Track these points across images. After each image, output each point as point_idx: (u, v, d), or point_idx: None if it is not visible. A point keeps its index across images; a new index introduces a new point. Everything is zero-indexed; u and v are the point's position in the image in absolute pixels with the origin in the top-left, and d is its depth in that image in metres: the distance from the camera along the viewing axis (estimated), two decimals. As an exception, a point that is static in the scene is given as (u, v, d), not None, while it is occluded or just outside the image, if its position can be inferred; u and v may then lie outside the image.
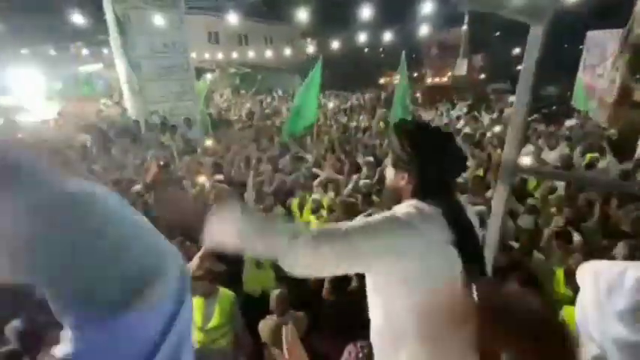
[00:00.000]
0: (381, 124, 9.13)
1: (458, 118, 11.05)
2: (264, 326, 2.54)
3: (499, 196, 1.62)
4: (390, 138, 1.07)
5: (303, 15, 10.64)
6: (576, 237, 3.02)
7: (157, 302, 0.52)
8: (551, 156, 5.95)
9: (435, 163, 0.99)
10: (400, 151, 1.00)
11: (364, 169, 5.29)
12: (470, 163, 5.40)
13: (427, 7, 10.24)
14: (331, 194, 4.19)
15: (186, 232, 3.44)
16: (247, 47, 23.11)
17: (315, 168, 5.50)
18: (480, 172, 5.02)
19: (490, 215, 1.71)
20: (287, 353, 1.00)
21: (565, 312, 2.27)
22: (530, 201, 3.91)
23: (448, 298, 0.92)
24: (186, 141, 7.37)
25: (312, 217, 3.94)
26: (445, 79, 25.12)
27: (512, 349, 0.68)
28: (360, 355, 1.87)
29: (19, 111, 12.17)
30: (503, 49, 20.67)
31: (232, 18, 13.61)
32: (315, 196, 4.12)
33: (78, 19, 10.82)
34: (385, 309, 1.03)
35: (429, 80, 25.79)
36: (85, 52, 18.03)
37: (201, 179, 4.65)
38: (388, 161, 1.12)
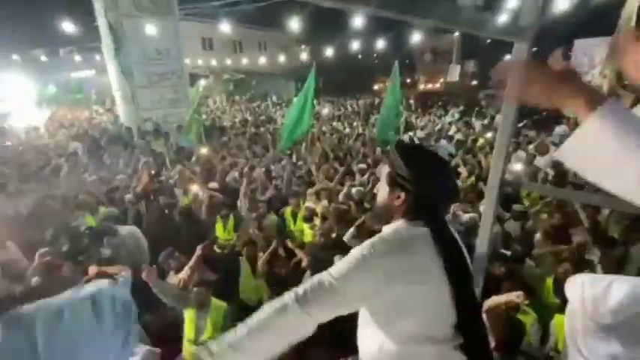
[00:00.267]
0: (375, 130, 9.18)
1: (450, 124, 11.16)
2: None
3: (488, 208, 1.63)
4: (391, 157, 1.06)
5: (296, 22, 10.71)
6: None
7: None
8: (541, 162, 6.03)
9: (433, 185, 1.00)
10: (402, 171, 1.00)
11: (357, 177, 5.30)
12: (462, 169, 5.45)
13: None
14: (325, 202, 4.18)
15: (176, 242, 3.42)
16: (241, 54, 23.17)
17: (310, 175, 5.50)
18: (472, 180, 5.06)
19: (480, 225, 1.72)
20: None
21: (556, 320, 2.29)
22: (517, 207, 3.94)
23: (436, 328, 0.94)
24: (178, 148, 7.33)
25: (305, 226, 3.93)
26: (438, 85, 25.40)
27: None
28: None
29: (10, 117, 12.02)
30: (495, 55, 20.99)
31: (226, 25, 13.65)
32: (309, 204, 4.11)
33: (69, 27, 10.76)
34: (375, 340, 1.02)
35: (421, 86, 26.05)
36: (77, 58, 17.91)
37: (194, 188, 4.62)
38: (382, 179, 1.11)
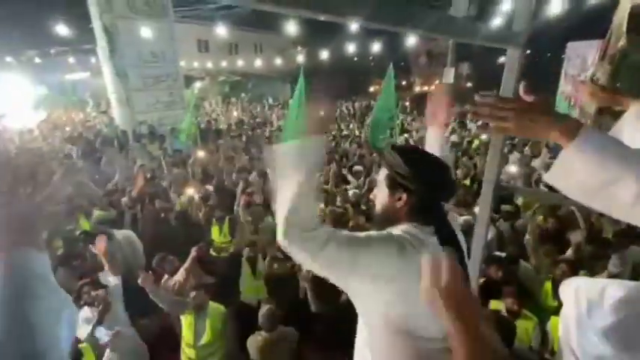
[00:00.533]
0: (367, 132, 9.20)
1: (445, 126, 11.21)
2: (253, 343, 2.50)
3: (483, 211, 1.64)
4: (388, 158, 1.05)
5: (292, 24, 10.73)
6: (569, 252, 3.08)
7: None
8: (535, 163, 6.08)
9: (433, 182, 1.00)
10: (402, 169, 1.00)
11: (353, 179, 5.32)
12: (457, 171, 5.48)
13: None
14: (321, 205, 4.18)
15: (172, 246, 3.40)
16: (237, 56, 23.13)
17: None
18: (467, 182, 5.09)
19: (475, 229, 1.73)
20: None
21: (552, 323, 2.31)
22: (505, 207, 3.96)
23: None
24: (174, 151, 7.30)
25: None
26: (433, 87, 25.46)
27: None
28: None
29: (3, 119, 11.89)
30: (490, 58, 21.22)
31: (222, 27, 13.63)
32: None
33: (63, 29, 10.70)
34: (367, 333, 1.02)
35: (417, 89, 26.22)
36: (71, 60, 17.78)
37: (189, 191, 4.60)
38: (379, 183, 1.10)
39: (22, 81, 15.85)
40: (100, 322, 2.46)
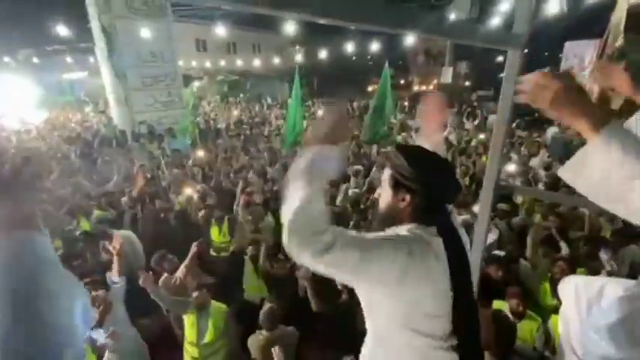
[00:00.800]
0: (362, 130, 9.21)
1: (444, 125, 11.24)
2: (254, 342, 2.51)
3: (484, 210, 1.65)
4: (392, 159, 1.05)
5: (291, 24, 10.73)
6: (564, 248, 3.09)
7: None
8: (533, 162, 6.12)
9: (437, 183, 1.00)
10: (406, 170, 1.00)
11: (353, 179, 5.32)
12: (456, 171, 5.50)
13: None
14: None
15: (171, 246, 3.40)
16: (235, 55, 23.10)
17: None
18: (466, 181, 5.11)
19: (475, 228, 1.74)
20: None
21: (552, 321, 2.32)
22: (501, 206, 3.98)
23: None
24: (173, 151, 7.30)
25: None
26: (431, 86, 25.59)
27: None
28: None
29: (1, 119, 11.85)
30: (487, 57, 21.28)
31: (220, 26, 13.61)
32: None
33: (62, 29, 10.66)
34: (374, 332, 1.04)
35: (415, 88, 26.24)
36: (69, 59, 17.70)
37: (188, 191, 4.60)
38: (383, 183, 1.09)
39: (20, 81, 15.78)
40: (100, 323, 2.47)
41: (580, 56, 8.31)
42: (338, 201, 4.39)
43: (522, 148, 7.19)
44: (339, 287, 2.81)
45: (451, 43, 22.23)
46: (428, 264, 0.91)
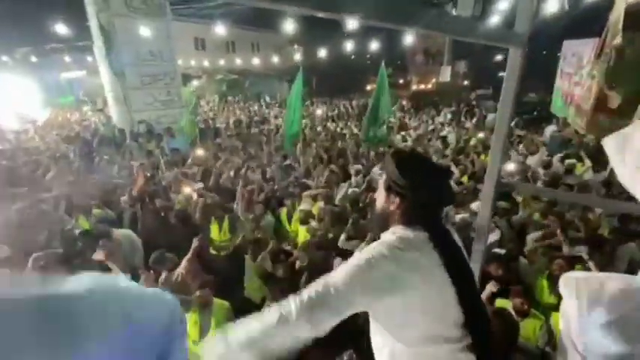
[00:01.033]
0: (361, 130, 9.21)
1: (442, 124, 11.26)
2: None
3: (485, 209, 1.66)
4: (386, 165, 1.09)
5: (290, 22, 10.71)
6: (565, 247, 3.11)
7: None
8: (531, 161, 6.14)
9: (428, 193, 1.02)
10: (396, 177, 1.02)
11: (352, 178, 5.33)
12: (454, 170, 5.51)
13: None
14: (321, 203, 4.20)
15: (172, 245, 3.40)
16: (234, 54, 23.05)
17: (306, 176, 5.51)
18: (465, 179, 5.12)
19: (476, 227, 1.75)
20: None
21: (554, 318, 2.33)
22: (501, 204, 3.99)
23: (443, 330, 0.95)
24: (172, 150, 7.29)
25: (301, 228, 3.93)
26: (430, 85, 25.61)
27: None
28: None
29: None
30: (486, 56, 21.32)
31: (219, 25, 13.58)
32: (304, 206, 4.12)
33: (60, 28, 10.62)
34: (387, 346, 1.04)
35: (414, 87, 26.24)
36: (67, 58, 17.63)
37: (187, 190, 4.60)
38: (380, 184, 1.13)
39: (19, 80, 15.71)
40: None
41: (578, 55, 8.36)
42: (337, 200, 4.40)
43: (521, 147, 7.20)
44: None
45: (450, 42, 22.28)
46: (417, 265, 0.93)
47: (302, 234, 3.86)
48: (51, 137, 9.75)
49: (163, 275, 3.01)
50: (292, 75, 6.28)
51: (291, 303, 0.91)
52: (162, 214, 4.17)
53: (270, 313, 0.93)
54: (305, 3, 0.73)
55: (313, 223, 3.84)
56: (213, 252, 3.94)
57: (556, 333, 2.27)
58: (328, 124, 12.17)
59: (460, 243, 1.10)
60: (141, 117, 9.53)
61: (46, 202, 4.23)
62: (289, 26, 8.07)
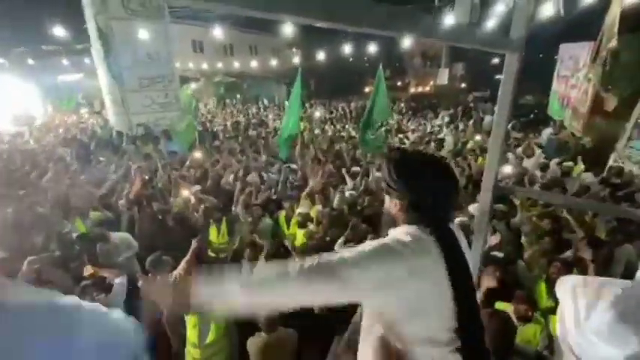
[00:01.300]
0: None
1: (440, 127, 11.30)
2: (253, 345, 2.50)
3: (483, 212, 1.67)
4: (382, 168, 1.07)
5: (288, 26, 10.73)
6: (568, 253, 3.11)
7: None
8: (528, 164, 6.15)
9: (423, 192, 0.99)
10: (389, 180, 1.01)
11: (350, 181, 5.33)
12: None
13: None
14: (319, 206, 4.20)
15: (169, 248, 3.38)
16: (232, 57, 23.06)
17: (303, 179, 5.50)
18: (463, 183, 5.13)
19: (474, 230, 1.75)
20: None
21: (553, 322, 2.33)
22: (499, 207, 3.99)
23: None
24: (169, 153, 7.27)
25: (299, 232, 3.93)
26: (428, 88, 25.73)
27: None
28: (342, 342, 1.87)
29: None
30: (483, 59, 21.46)
31: (217, 28, 13.61)
32: (301, 209, 4.11)
33: (58, 31, 10.61)
34: (376, 341, 1.03)
35: (412, 89, 26.35)
36: (64, 61, 17.58)
37: (185, 193, 4.59)
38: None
39: (16, 82, 15.67)
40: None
41: (575, 58, 8.43)
42: (335, 204, 4.40)
43: (519, 150, 7.23)
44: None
45: (447, 45, 22.42)
46: (423, 263, 0.91)
47: (300, 237, 3.86)
48: (48, 139, 9.72)
49: (162, 278, 2.99)
50: (290, 78, 6.28)
51: (299, 262, 0.89)
52: (160, 217, 4.16)
53: (280, 265, 0.90)
54: (301, 12, 0.73)
55: (311, 227, 3.83)
56: (211, 254, 3.93)
57: (555, 336, 2.27)
58: (326, 126, 12.19)
59: (465, 244, 1.08)
60: (139, 120, 9.51)
61: (42, 204, 4.20)
62: (288, 29, 8.09)
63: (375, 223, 3.67)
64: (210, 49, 22.51)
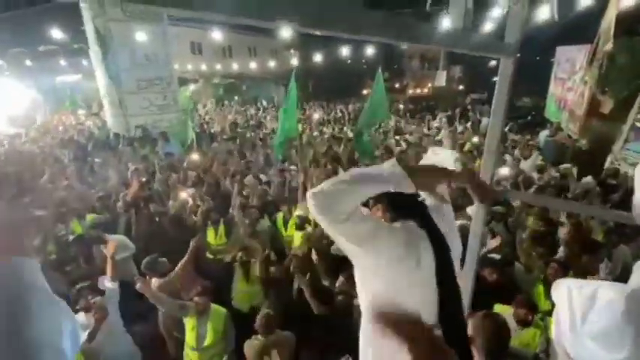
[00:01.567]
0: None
1: (438, 128, 11.32)
2: (249, 347, 2.49)
3: (478, 214, 1.67)
4: None
5: (286, 28, 10.76)
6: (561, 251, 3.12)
7: None
8: (525, 166, 6.17)
9: (391, 196, 1.03)
10: None
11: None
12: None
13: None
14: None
15: (166, 250, 3.38)
16: (231, 59, 23.06)
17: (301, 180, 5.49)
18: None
19: (471, 231, 1.75)
20: None
21: (550, 324, 2.33)
22: (497, 208, 4.00)
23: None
24: (166, 155, 7.25)
25: (296, 234, 3.92)
26: (426, 90, 25.81)
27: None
28: None
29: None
30: (480, 61, 21.57)
31: (216, 29, 13.63)
32: (299, 212, 4.11)
33: (56, 33, 10.60)
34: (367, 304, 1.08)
35: (410, 91, 26.43)
36: (62, 62, 17.52)
37: (183, 195, 4.58)
38: None
39: (13, 84, 15.60)
40: (96, 330, 2.44)
41: (571, 61, 8.47)
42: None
43: (516, 152, 7.25)
44: (335, 289, 2.82)
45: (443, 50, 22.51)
46: (419, 249, 0.99)
47: (297, 239, 3.85)
48: (45, 141, 9.68)
49: (159, 280, 2.98)
50: (289, 79, 6.26)
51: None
52: (157, 219, 4.15)
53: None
54: (305, 22, 0.74)
55: (309, 229, 3.82)
56: (209, 256, 3.92)
57: (551, 339, 2.26)
58: (324, 128, 12.19)
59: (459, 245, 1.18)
60: (137, 121, 9.48)
61: (39, 206, 4.18)
62: (286, 31, 8.09)
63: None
64: (209, 51, 22.49)
